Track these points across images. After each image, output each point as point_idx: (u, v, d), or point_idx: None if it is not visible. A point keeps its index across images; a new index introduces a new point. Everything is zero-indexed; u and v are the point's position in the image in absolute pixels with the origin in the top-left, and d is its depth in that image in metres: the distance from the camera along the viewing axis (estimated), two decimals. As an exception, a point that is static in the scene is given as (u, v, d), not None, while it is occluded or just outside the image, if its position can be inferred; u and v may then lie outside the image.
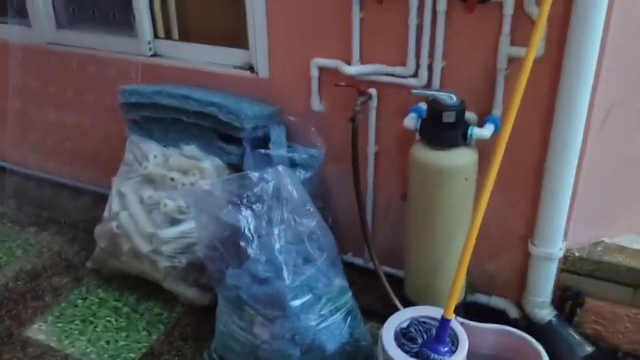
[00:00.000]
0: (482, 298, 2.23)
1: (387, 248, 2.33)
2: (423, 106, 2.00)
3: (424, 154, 1.91)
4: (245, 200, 1.91)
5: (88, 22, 2.80)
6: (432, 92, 1.91)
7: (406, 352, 1.71)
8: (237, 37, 2.37)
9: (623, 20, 1.72)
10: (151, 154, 2.34)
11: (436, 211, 1.94)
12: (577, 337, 2.05)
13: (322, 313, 1.88)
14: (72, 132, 2.97)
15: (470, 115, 1.95)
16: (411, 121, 1.96)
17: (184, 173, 2.27)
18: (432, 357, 1.68)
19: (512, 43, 1.84)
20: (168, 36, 2.65)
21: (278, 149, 2.20)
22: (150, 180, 2.34)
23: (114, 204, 2.41)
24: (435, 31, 1.93)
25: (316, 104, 2.25)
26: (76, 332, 2.31)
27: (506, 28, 1.82)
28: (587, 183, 1.94)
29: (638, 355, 2.08)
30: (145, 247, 2.28)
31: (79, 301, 2.47)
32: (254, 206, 1.90)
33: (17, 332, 2.31)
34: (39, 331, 2.32)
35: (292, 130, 2.28)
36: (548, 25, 1.76)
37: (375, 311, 2.20)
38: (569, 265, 2.06)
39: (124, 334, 2.29)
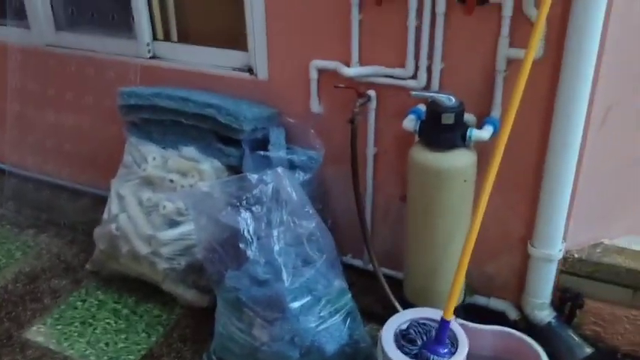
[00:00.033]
0: (481, 300, 2.23)
1: (386, 250, 2.33)
2: (422, 107, 2.00)
3: (423, 155, 1.91)
4: (244, 202, 1.91)
5: (86, 24, 2.79)
6: (431, 94, 1.91)
7: (406, 353, 1.71)
8: (236, 39, 2.37)
9: (621, 21, 1.72)
10: (150, 156, 2.34)
11: (435, 212, 1.94)
12: (576, 338, 2.06)
13: (322, 314, 1.88)
14: (71, 134, 2.97)
15: (469, 117, 1.95)
16: (410, 123, 1.96)
17: (183, 175, 2.27)
18: (431, 358, 1.68)
19: (511, 44, 1.84)
20: (167, 38, 2.65)
21: (277, 151, 2.20)
22: (149, 182, 2.34)
23: (113, 206, 2.41)
24: (434, 33, 1.93)
25: (315, 106, 2.25)
26: (76, 334, 2.31)
27: (505, 29, 1.82)
28: (586, 184, 1.94)
29: (638, 357, 2.08)
30: (144, 249, 2.28)
31: (78, 303, 2.47)
32: (253, 208, 1.90)
33: (16, 334, 2.31)
34: (38, 334, 2.32)
35: (291, 132, 2.28)
36: (547, 26, 1.76)
37: (375, 313, 2.20)
38: (569, 266, 2.06)
39: (123, 336, 2.29)
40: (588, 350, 2.04)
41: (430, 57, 1.97)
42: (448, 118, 1.84)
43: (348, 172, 2.17)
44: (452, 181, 1.89)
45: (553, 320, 2.07)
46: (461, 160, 1.89)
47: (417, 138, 1.97)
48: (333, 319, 1.90)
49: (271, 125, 2.26)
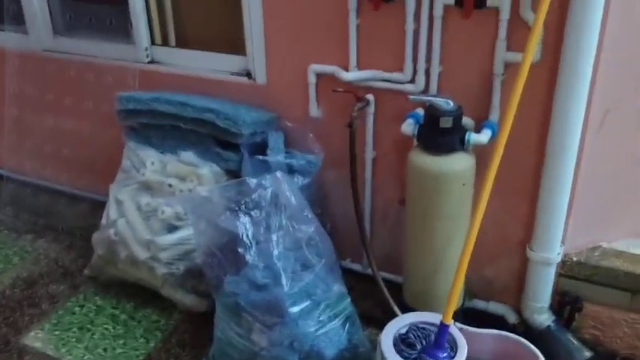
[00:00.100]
0: (480, 304, 2.23)
1: (385, 254, 2.33)
2: (421, 111, 2.00)
3: (422, 159, 1.91)
4: (243, 206, 1.91)
5: (84, 29, 2.80)
6: (429, 98, 1.91)
7: (405, 358, 1.71)
8: (234, 44, 2.38)
9: (618, 25, 1.73)
10: (149, 161, 2.34)
11: (434, 216, 1.94)
12: (575, 342, 2.05)
13: (321, 319, 1.87)
14: (69, 139, 2.97)
15: (467, 121, 1.96)
16: (408, 127, 1.96)
17: (182, 180, 2.27)
18: (430, 363, 1.68)
19: (509, 48, 1.85)
20: (165, 43, 2.66)
21: (276, 155, 2.20)
22: (147, 187, 2.34)
23: (111, 211, 2.41)
24: (431, 37, 1.94)
25: (314, 110, 2.25)
26: (73, 340, 2.30)
27: (503, 33, 1.83)
28: (584, 187, 1.95)
29: (637, 360, 2.09)
30: (142, 254, 2.27)
31: (76, 308, 2.46)
32: (252, 212, 1.90)
33: (14, 340, 2.30)
34: (36, 339, 2.31)
35: (290, 136, 2.29)
36: (545, 30, 1.76)
37: (374, 317, 2.19)
38: (567, 270, 2.06)
39: (121, 342, 2.28)
40: (587, 354, 2.04)
41: (428, 61, 1.98)
42: (446, 122, 1.84)
43: (346, 176, 2.17)
44: (450, 184, 1.89)
45: (552, 324, 2.07)
46: (459, 163, 1.89)
47: (415, 142, 1.97)
48: (333, 323, 1.90)
49: (270, 129, 2.27)
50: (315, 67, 2.17)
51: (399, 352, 1.72)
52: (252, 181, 1.93)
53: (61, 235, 2.93)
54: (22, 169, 3.20)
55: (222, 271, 1.95)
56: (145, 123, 2.38)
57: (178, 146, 2.33)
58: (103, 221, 2.45)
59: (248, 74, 2.36)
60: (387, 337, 1.76)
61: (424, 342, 1.76)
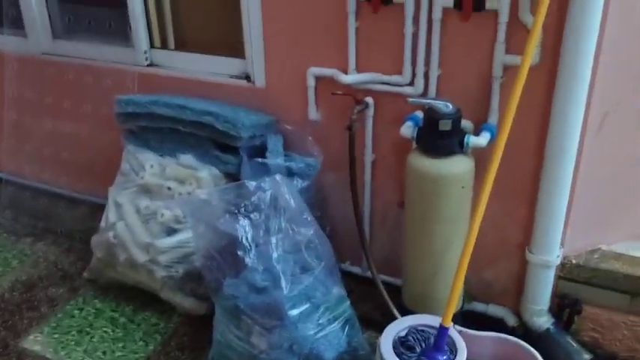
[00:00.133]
0: (479, 307, 2.23)
1: (384, 256, 2.33)
2: (420, 114, 2.01)
3: (421, 162, 1.91)
4: (242, 209, 1.91)
5: (84, 32, 2.80)
6: (428, 101, 1.92)
7: (404, 360, 1.71)
8: (233, 47, 2.38)
9: (617, 27, 1.73)
10: (148, 164, 2.34)
11: (433, 219, 1.94)
12: (575, 344, 2.05)
13: (320, 322, 1.87)
14: (68, 142, 2.96)
15: (466, 123, 1.96)
16: (407, 130, 1.96)
17: (181, 183, 2.27)
18: (430, 365, 1.68)
19: (508, 51, 1.85)
20: (164, 46, 2.66)
21: (275, 158, 2.20)
22: (146, 190, 2.34)
23: (110, 214, 2.41)
24: (430, 40, 1.94)
25: (313, 113, 2.25)
26: (73, 343, 2.30)
27: (502, 36, 1.83)
28: (583, 190, 1.95)
29: (636, 363, 2.09)
30: (141, 257, 2.27)
31: (76, 311, 2.46)
32: (251, 215, 1.90)
33: (13, 343, 2.30)
34: (35, 342, 2.31)
35: (289, 139, 2.29)
36: (543, 32, 1.77)
37: (373, 320, 2.19)
38: (567, 272, 2.06)
39: (120, 345, 2.28)
40: (587, 357, 2.04)
41: (427, 64, 1.98)
42: (445, 125, 1.84)
43: (346, 179, 2.17)
44: (450, 187, 1.90)
45: (551, 326, 2.07)
46: (458, 166, 1.89)
47: (414, 144, 1.97)
48: (332, 326, 1.90)
49: (269, 132, 2.27)
50: (314, 70, 2.17)
51: (398, 354, 1.72)
52: (252, 184, 1.94)
53: (60, 238, 2.93)
54: (22, 172, 3.20)
55: (221, 274, 1.95)
56: (144, 126, 2.38)
57: (177, 149, 2.33)
58: (102, 224, 2.45)
59: (247, 77, 2.36)
60: (386, 339, 1.76)
61: (423, 345, 1.76)
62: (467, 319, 2.10)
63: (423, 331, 1.80)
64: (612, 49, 1.76)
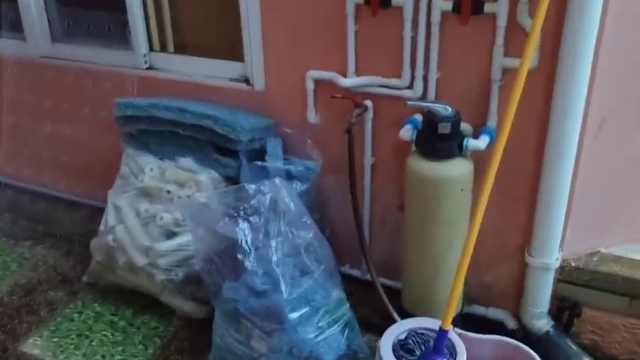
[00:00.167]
0: (479, 309, 2.23)
1: (384, 259, 2.33)
2: (419, 117, 2.01)
3: (420, 165, 1.91)
4: (242, 213, 1.91)
5: (83, 35, 2.80)
6: (428, 104, 1.92)
7: (404, 364, 1.71)
8: (232, 50, 2.38)
9: (616, 30, 1.74)
10: (147, 167, 2.34)
11: (433, 222, 1.95)
12: (574, 347, 2.05)
13: (320, 325, 1.87)
14: (67, 145, 2.96)
15: (465, 126, 1.96)
16: (406, 133, 1.97)
17: (180, 186, 2.27)
18: (430, 369, 1.68)
19: (506, 54, 1.85)
20: (163, 49, 2.66)
21: (274, 161, 2.20)
22: (146, 193, 2.34)
23: (110, 217, 2.40)
24: (429, 43, 1.94)
25: (312, 116, 2.25)
26: (72, 347, 2.29)
27: (500, 39, 1.84)
28: (582, 193, 1.95)
29: (636, 365, 2.09)
30: (141, 260, 2.27)
31: (75, 315, 2.45)
32: (251, 219, 1.90)
33: (12, 347, 2.30)
34: (34, 346, 2.30)
35: (288, 143, 2.29)
36: (542, 36, 1.77)
37: (373, 323, 2.19)
38: (566, 275, 2.07)
39: (120, 349, 2.28)
40: (586, 359, 2.04)
41: (426, 67, 1.98)
42: (445, 128, 1.85)
43: (345, 182, 2.17)
44: (449, 190, 1.90)
45: (551, 329, 2.07)
46: (458, 169, 1.90)
47: (413, 147, 1.98)
48: (332, 329, 1.90)
49: (268, 136, 2.27)
50: (314, 74, 2.18)
51: (398, 358, 1.72)
52: (251, 188, 1.93)
53: (59, 242, 2.92)
54: (20, 175, 3.20)
55: (220, 278, 1.95)
56: (143, 129, 2.38)
57: (177, 152, 2.33)
58: (102, 227, 2.45)
59: (246, 80, 2.37)
60: (386, 342, 1.76)
61: (423, 348, 1.76)
62: (466, 321, 2.10)
63: (422, 334, 1.80)
64: (610, 53, 1.76)
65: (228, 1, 2.30)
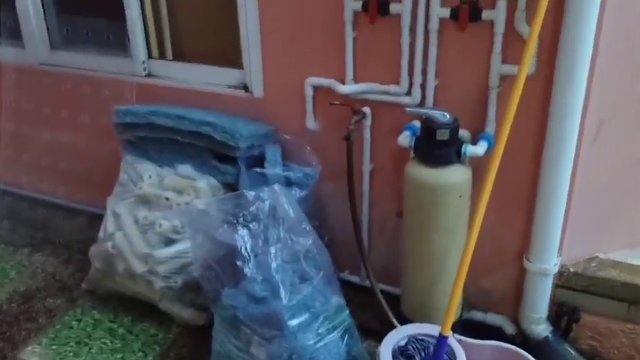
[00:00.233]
0: (478, 315, 2.23)
1: (383, 266, 2.33)
2: (417, 124, 2.02)
3: (419, 171, 1.92)
4: (241, 219, 1.91)
5: (82, 43, 2.81)
6: (426, 110, 1.93)
7: (404, 370, 1.71)
8: (231, 57, 2.39)
9: (612, 38, 1.75)
10: (146, 174, 2.34)
11: (431, 228, 1.95)
12: (573, 352, 2.06)
13: (319, 331, 1.87)
14: (66, 152, 2.97)
15: (463, 133, 1.97)
16: (405, 139, 1.97)
17: (179, 193, 2.27)
18: (430, 375, 1.68)
19: (504, 61, 1.86)
20: (162, 56, 2.67)
21: (273, 168, 2.20)
22: (145, 200, 2.34)
23: (109, 224, 2.40)
24: (427, 50, 1.95)
25: (311, 123, 2.26)
26: (71, 354, 2.29)
27: (498, 46, 1.85)
28: (580, 198, 1.96)
29: (635, 370, 2.09)
30: (140, 267, 2.27)
31: (74, 322, 2.45)
32: (250, 225, 1.90)
33: (11, 355, 2.29)
34: (33, 354, 2.30)
35: (287, 149, 2.29)
36: (539, 43, 1.78)
37: (373, 329, 2.19)
38: (564, 280, 2.07)
39: (119, 356, 2.27)
40: (585, 364, 2.05)
41: (424, 74, 1.99)
42: (443, 134, 1.85)
43: (344, 189, 2.17)
44: (447, 196, 1.90)
45: (550, 335, 2.07)
46: (456, 175, 1.90)
47: (412, 154, 1.98)
48: (331, 336, 1.90)
49: (267, 142, 2.27)
50: (312, 80, 2.18)
51: (397, 364, 1.73)
52: (250, 194, 1.94)
53: (58, 249, 2.92)
54: (19, 182, 3.20)
55: (220, 284, 1.94)
56: (142, 136, 2.39)
57: (176, 159, 2.34)
58: (101, 234, 2.45)
59: (245, 87, 2.37)
60: (385, 349, 1.76)
61: (423, 354, 1.76)
62: (466, 327, 2.10)
63: (422, 340, 1.80)
64: (607, 60, 1.77)
65: (227, 9, 2.31)
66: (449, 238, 1.96)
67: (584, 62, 1.72)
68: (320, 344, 1.86)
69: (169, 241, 2.26)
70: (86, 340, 2.35)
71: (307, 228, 1.95)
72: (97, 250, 2.44)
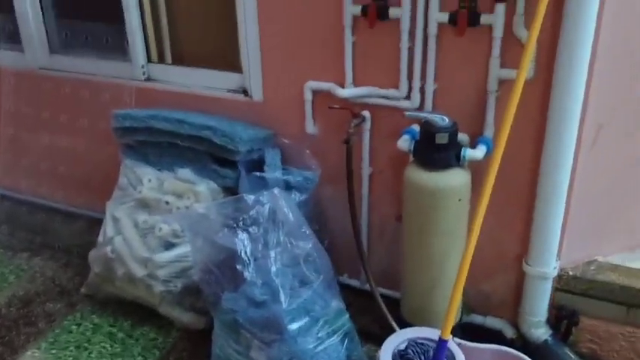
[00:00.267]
0: (478, 319, 2.23)
1: (382, 269, 2.33)
2: (416, 128, 2.02)
3: (418, 175, 1.92)
4: (241, 223, 1.91)
5: (81, 47, 2.81)
6: (425, 114, 1.93)
7: (404, 374, 1.72)
8: (230, 61, 2.39)
9: (611, 42, 1.76)
10: (146, 178, 2.34)
11: (431, 231, 1.95)
12: (573, 356, 2.06)
13: (319, 335, 1.87)
14: (65, 157, 2.97)
15: (462, 137, 1.97)
16: (404, 143, 1.98)
17: (179, 197, 2.27)
18: (430, 378, 1.69)
19: (503, 65, 1.87)
20: (161, 60, 2.67)
21: (273, 172, 2.21)
22: (144, 204, 2.34)
23: (108, 228, 2.40)
24: (426, 54, 1.96)
25: (310, 127, 2.26)
26: (70, 359, 2.28)
27: (496, 50, 1.85)
28: (579, 202, 1.96)
29: (634, 373, 2.09)
30: (139, 271, 2.27)
31: (73, 327, 2.44)
32: (250, 229, 1.90)
33: (10, 359, 2.28)
34: (32, 358, 2.29)
35: (287, 153, 2.30)
36: (538, 47, 1.79)
37: (372, 333, 2.19)
38: (564, 284, 2.07)
39: (118, 360, 2.28)
40: (585, 368, 2.05)
41: (423, 78, 2.00)
42: (442, 138, 1.86)
43: (343, 193, 2.17)
44: (447, 200, 1.91)
45: (549, 338, 2.07)
46: (455, 179, 1.91)
47: (411, 158, 1.99)
48: (331, 339, 1.90)
49: (267, 146, 2.28)
50: (312, 84, 2.19)
51: (397, 368, 1.73)
52: (250, 198, 1.94)
53: (57, 253, 2.92)
54: (18, 187, 3.20)
55: (219, 288, 1.95)
56: (141, 140, 2.39)
57: (175, 163, 2.34)
58: (100, 239, 2.45)
59: (244, 91, 2.38)
60: (385, 353, 1.76)
61: (423, 357, 1.76)
62: (465, 331, 2.10)
63: (422, 344, 1.80)
64: (605, 64, 1.78)
65: (226, 13, 2.31)
66: (448, 242, 1.96)
67: (583, 67, 1.73)
68: (320, 348, 1.86)
69: (169, 245, 2.26)
70: (86, 344, 2.35)
71: (307, 232, 1.95)
72: (97, 255, 2.44)
